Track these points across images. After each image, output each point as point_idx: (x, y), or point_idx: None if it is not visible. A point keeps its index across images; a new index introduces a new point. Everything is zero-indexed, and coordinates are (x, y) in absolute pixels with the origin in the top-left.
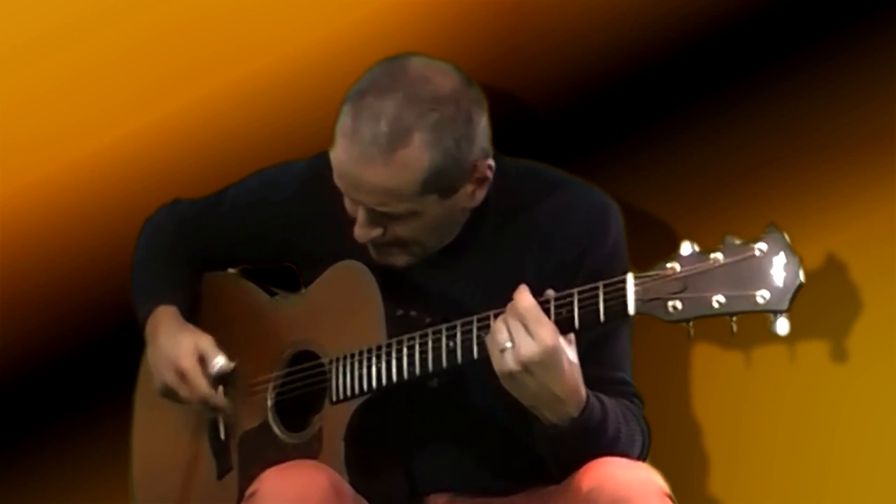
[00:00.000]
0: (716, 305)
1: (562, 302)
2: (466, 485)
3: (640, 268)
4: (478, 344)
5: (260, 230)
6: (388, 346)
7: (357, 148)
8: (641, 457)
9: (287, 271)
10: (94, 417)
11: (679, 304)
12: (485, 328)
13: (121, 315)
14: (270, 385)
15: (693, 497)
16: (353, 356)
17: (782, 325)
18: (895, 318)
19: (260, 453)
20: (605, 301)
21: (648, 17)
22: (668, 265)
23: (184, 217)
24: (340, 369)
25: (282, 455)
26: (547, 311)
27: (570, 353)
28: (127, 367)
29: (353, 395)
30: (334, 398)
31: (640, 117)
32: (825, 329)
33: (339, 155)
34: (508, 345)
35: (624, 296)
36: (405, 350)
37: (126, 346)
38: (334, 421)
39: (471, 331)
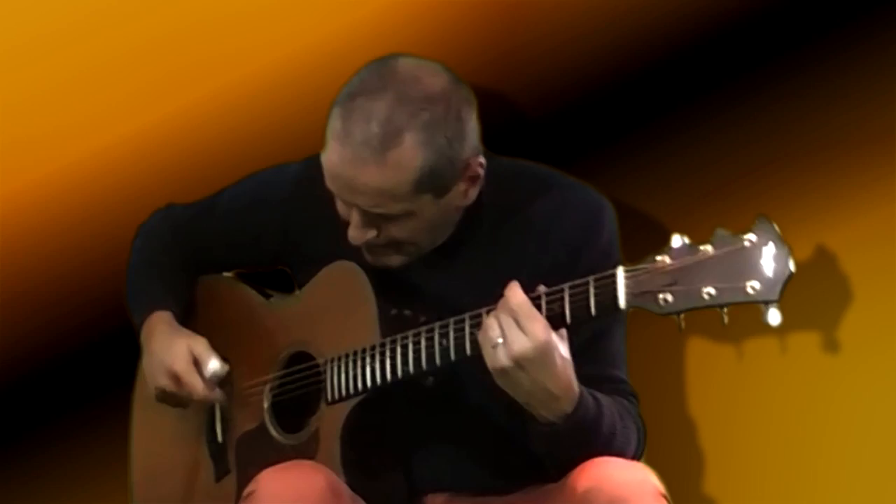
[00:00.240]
0: (706, 297)
1: (553, 297)
2: (464, 484)
3: (634, 264)
4: (470, 341)
5: (254, 233)
6: (383, 345)
7: (349, 150)
8: (637, 454)
9: (282, 273)
10: (93, 417)
11: (670, 297)
12: (477, 325)
13: (120, 315)
14: (267, 387)
15: (688, 493)
16: (347, 356)
17: (773, 316)
18: (889, 311)
19: (257, 455)
20: (595, 295)
21: (644, 19)
22: (659, 258)
23: (178, 222)
24: (335, 369)
25: (279, 456)
26: (538, 307)
27: (563, 348)
28: (126, 368)
29: (349, 395)
30: (330, 398)
31: (639, 118)
32: (820, 324)
33: (331, 158)
34: (500, 340)
35: (614, 289)
36: (399, 349)
37: (125, 346)
38: (330, 421)
39: (463, 328)
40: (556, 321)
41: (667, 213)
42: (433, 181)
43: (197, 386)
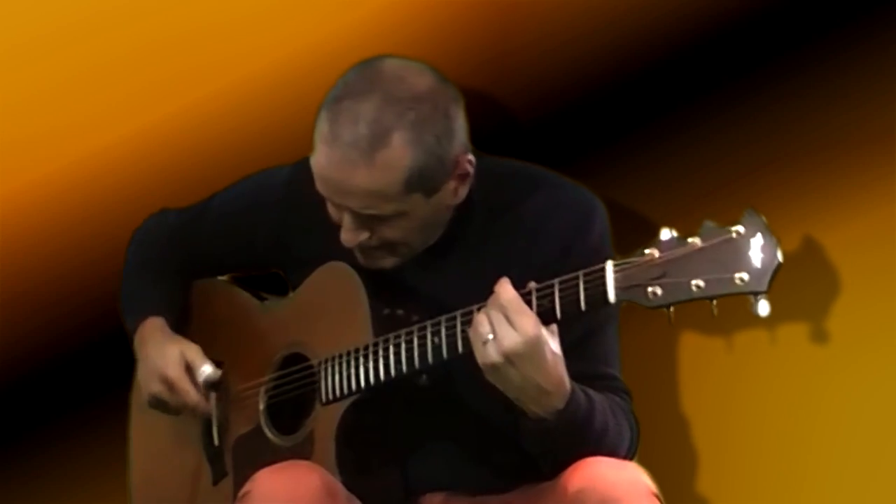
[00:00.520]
0: (695, 290)
1: (543, 293)
2: (460, 483)
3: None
4: (462, 339)
5: (247, 237)
6: (376, 345)
7: (338, 152)
8: (631, 451)
9: (276, 276)
10: (93, 418)
11: (659, 290)
12: (469, 323)
13: (120, 315)
14: (262, 389)
15: (680, 489)
16: (341, 357)
17: (763, 307)
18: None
19: (254, 457)
20: (585, 289)
21: (640, 20)
22: (648, 251)
23: (171, 227)
24: (329, 370)
25: (275, 458)
26: (528, 303)
27: (553, 344)
28: (125, 368)
29: (343, 396)
30: (324, 399)
31: (638, 118)
32: (818, 322)
33: (320, 161)
34: (490, 336)
35: (604, 283)
36: (392, 348)
37: (125, 346)
38: (325, 422)
39: (455, 326)
40: (546, 317)
41: (664, 216)
42: (423, 180)
43: (190, 392)
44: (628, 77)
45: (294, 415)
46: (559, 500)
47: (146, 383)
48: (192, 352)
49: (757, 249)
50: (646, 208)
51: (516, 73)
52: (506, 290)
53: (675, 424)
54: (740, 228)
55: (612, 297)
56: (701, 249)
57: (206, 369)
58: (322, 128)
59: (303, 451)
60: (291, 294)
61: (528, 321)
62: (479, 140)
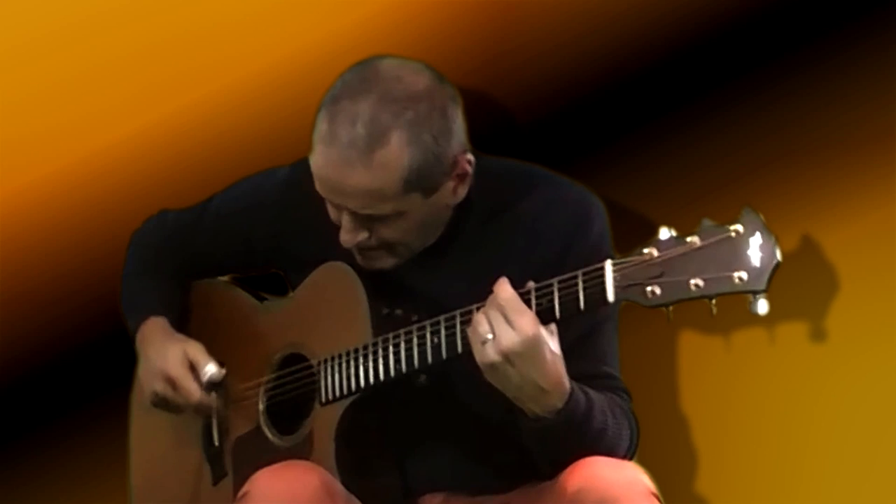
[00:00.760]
0: (694, 289)
1: (542, 292)
2: (460, 484)
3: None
4: (462, 338)
5: (246, 238)
6: (375, 344)
7: (336, 152)
8: (630, 450)
9: (276, 277)
10: (93, 418)
11: (658, 289)
12: (468, 322)
13: (120, 315)
14: (261, 389)
15: (679, 488)
16: (340, 357)
17: (761, 306)
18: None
19: (253, 458)
20: (584, 289)
21: (639, 20)
22: (646, 250)
23: (170, 228)
24: (328, 370)
25: (275, 458)
26: (528, 302)
27: (552, 343)
28: (125, 368)
29: (342, 396)
30: (323, 399)
31: (638, 118)
32: (817, 322)
33: (319, 161)
34: (489, 336)
35: (603, 283)
36: (391, 348)
37: (125, 346)
38: (324, 422)
39: (454, 326)
40: (545, 316)
41: (662, 215)
42: (421, 180)
43: (193, 390)
44: (626, 77)
45: (293, 415)
46: (558, 500)
47: (149, 382)
48: (196, 350)
49: (756, 248)
50: (644, 207)
51: (515, 72)
52: (504, 289)
53: (674, 424)
54: (739, 227)
55: (611, 296)
56: (699, 248)
57: (210, 368)
58: (320, 128)
59: (302, 452)
60: (291, 294)
61: (526, 321)
62: (478, 140)
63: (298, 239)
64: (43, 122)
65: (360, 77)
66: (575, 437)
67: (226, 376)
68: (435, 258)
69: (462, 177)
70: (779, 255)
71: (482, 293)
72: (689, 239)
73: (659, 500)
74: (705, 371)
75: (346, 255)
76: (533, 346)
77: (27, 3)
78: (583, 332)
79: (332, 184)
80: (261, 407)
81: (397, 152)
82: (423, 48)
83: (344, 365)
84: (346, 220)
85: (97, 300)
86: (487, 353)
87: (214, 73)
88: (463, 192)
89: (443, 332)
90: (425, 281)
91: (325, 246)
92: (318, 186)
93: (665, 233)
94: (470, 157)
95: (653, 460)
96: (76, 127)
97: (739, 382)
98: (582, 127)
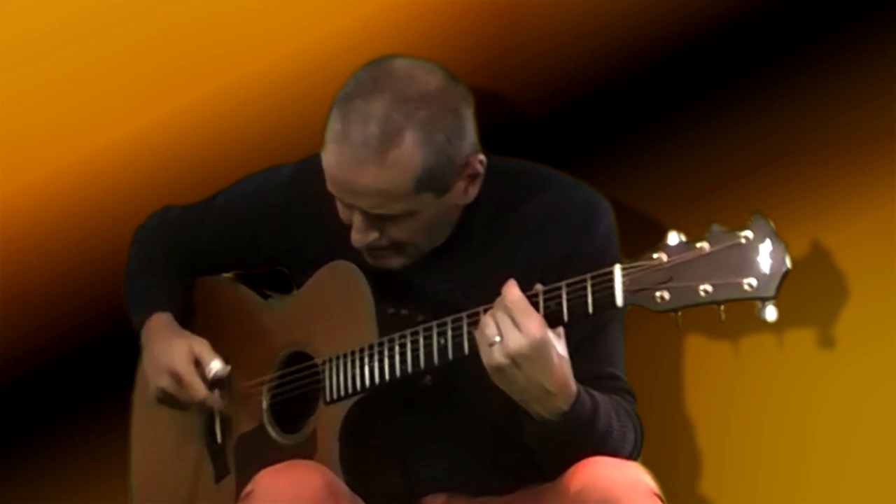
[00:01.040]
0: (703, 294)
1: (550, 295)
2: (463, 484)
3: (631, 261)
4: (468, 340)
5: (250, 235)
6: (380, 344)
7: (348, 151)
8: (634, 453)
9: (280, 274)
10: (93, 417)
11: (666, 294)
12: (475, 324)
13: (120, 315)
14: (265, 387)
15: (683, 491)
16: (345, 356)
17: (770, 312)
18: (887, 309)
19: (256, 456)
20: (593, 293)
21: (642, 18)
22: (655, 255)
23: (175, 224)
24: (333, 369)
25: (278, 457)
26: (535, 305)
27: (559, 346)
28: (126, 368)
29: (347, 395)
30: (328, 398)
31: (638, 117)
32: (818, 322)
33: (331, 160)
34: (497, 338)
35: (612, 287)
36: (397, 348)
37: (125, 346)
38: (328, 421)
39: (461, 327)
40: (553, 319)
41: (666, 214)
42: (433, 180)
43: (198, 387)
44: (632, 76)
45: (297, 413)
46: (560, 500)
47: (154, 378)
48: (201, 346)
49: (765, 255)
50: (647, 206)
51: (520, 70)
52: (512, 291)
53: (679, 426)
54: (749, 233)
55: (619, 300)
56: (709, 254)
57: (216, 364)
58: (333, 127)
59: (305, 450)
60: (295, 292)
61: (534, 323)
62: (482, 138)
63: (303, 237)
64: (43, 122)
65: (372, 76)
66: (580, 439)
67: (230, 373)
68: (442, 259)
69: (473, 177)
70: (788, 263)
71: (489, 294)
72: (698, 244)
73: (661, 501)
74: (711, 373)
75: (351, 254)
76: (540, 349)
77: (26, 3)
78: (588, 332)
79: (344, 183)
80: (264, 405)
81: (410, 152)
82: (428, 45)
83: (349, 364)
84: (357, 220)
85: (97, 300)
86: (494, 356)
87: (215, 72)
88: (474, 192)
89: (449, 333)
90: (432, 281)
91: (331, 245)
92: (329, 185)
93: (674, 238)
94: (482, 157)
95: (657, 463)
96: (76, 126)
97: (743, 385)
98: (586, 126)
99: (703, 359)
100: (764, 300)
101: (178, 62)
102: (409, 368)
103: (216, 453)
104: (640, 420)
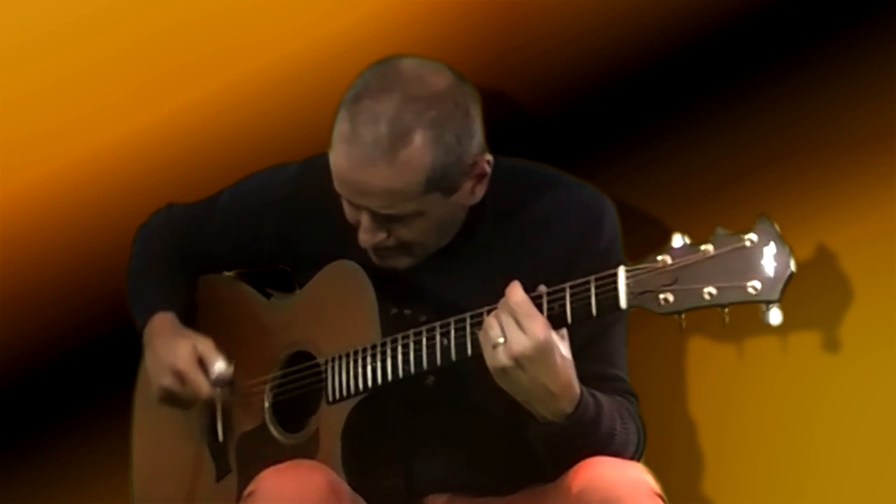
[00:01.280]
0: (707, 297)
1: (554, 297)
2: (465, 485)
3: (635, 263)
4: (471, 341)
5: (253, 234)
6: (383, 344)
7: (358, 151)
8: (637, 454)
9: (282, 273)
10: (94, 417)
11: (671, 297)
12: (478, 325)
13: (121, 315)
14: (267, 386)
15: (686, 492)
16: (347, 356)
17: (774, 316)
18: (889, 311)
19: (258, 455)
20: (596, 295)
21: (645, 18)
22: (660, 258)
23: (177, 222)
24: (336, 369)
25: (280, 456)
26: (539, 306)
27: (563, 348)
28: (127, 368)
29: (349, 395)
30: (330, 398)
31: (640, 117)
32: (820, 323)
33: (340, 160)
34: (500, 340)
35: (616, 289)
36: (400, 349)
37: (125, 346)
38: (331, 421)
39: (464, 328)
40: (557, 321)
41: (667, 213)
42: (442, 179)
43: (202, 385)
44: (634, 75)
45: (299, 412)
46: (562, 500)
47: (157, 377)
48: (205, 346)
49: (770, 258)
50: (653, 206)
51: (522, 69)
52: (516, 293)
53: (682, 428)
54: (753, 236)
55: (623, 303)
56: (713, 257)
57: (220, 364)
58: (341, 127)
59: (307, 450)
60: (298, 291)
61: (537, 325)
62: (486, 137)
63: (307, 237)
64: (43, 122)
65: (380, 76)
66: (583, 440)
67: (233, 372)
68: (445, 259)
69: (481, 177)
70: (793, 266)
71: (492, 295)
72: (702, 247)
73: (663, 501)
74: (713, 375)
75: (354, 254)
76: (544, 351)
77: (26, 2)
78: (592, 333)
79: (354, 183)
80: (266, 404)
81: (421, 151)
82: (434, 42)
83: (351, 364)
84: (365, 220)
85: (97, 300)
86: (498, 357)
87: (216, 71)
88: (481, 192)
89: (452, 334)
90: (435, 282)
91: (334, 244)
92: (337, 186)
93: (678, 240)
94: (489, 157)
95: (660, 464)
96: (76, 126)
97: (746, 386)
98: (588, 126)
99: (706, 360)
100: (768, 303)
101: (178, 61)
102: (412, 369)
103: (218, 452)
104: (643, 421)
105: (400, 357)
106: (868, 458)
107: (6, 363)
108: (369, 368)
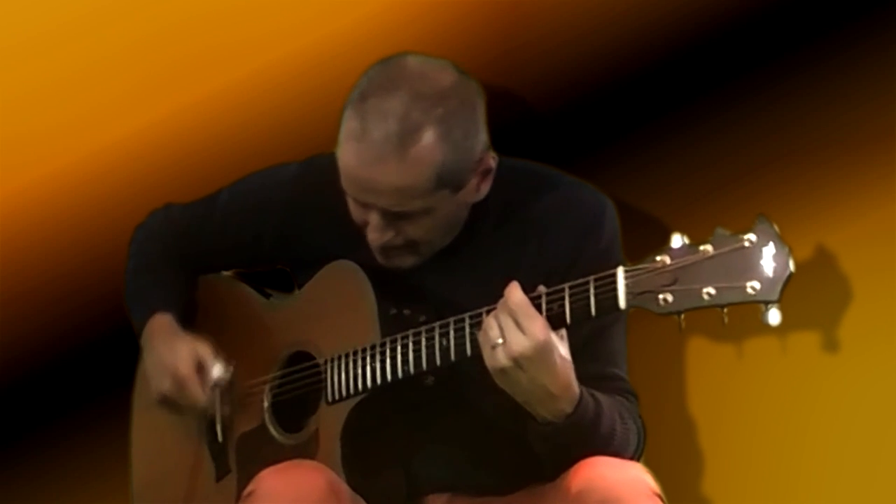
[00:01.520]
0: (706, 297)
1: (553, 297)
2: (465, 484)
3: (634, 264)
4: (471, 341)
5: (253, 233)
6: (383, 345)
7: (368, 148)
8: (636, 454)
9: (281, 273)
10: (93, 417)
11: (670, 297)
12: (477, 325)
13: (120, 315)
14: (267, 387)
15: (686, 492)
16: (347, 356)
17: (773, 316)
18: (889, 311)
19: (258, 455)
20: (595, 295)
21: (646, 18)
22: (659, 258)
23: (176, 222)
24: (335, 369)
25: (279, 456)
26: (538, 307)
27: (562, 348)
28: (126, 368)
29: (349, 395)
30: (330, 398)
31: (640, 117)
32: (820, 324)
33: (349, 158)
34: (500, 340)
35: (615, 289)
36: (399, 349)
37: (125, 346)
38: (330, 421)
39: (464, 328)
40: (556, 321)
41: (667, 213)
42: (451, 176)
43: (199, 395)
44: (634, 75)
45: (298, 413)
46: (561, 500)
47: (156, 380)
48: (204, 350)
49: (769, 258)
50: (652, 206)
51: (523, 69)
52: (515, 293)
53: (682, 428)
54: (752, 237)
55: (622, 303)
56: (712, 257)
57: (219, 369)
58: (350, 125)
59: (307, 450)
60: (297, 292)
61: (536, 325)
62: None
63: (306, 237)
64: (43, 121)
65: (386, 75)
66: (582, 441)
67: (233, 375)
68: (445, 259)
69: (486, 173)
70: (792, 266)
71: (492, 295)
72: (701, 247)
73: (662, 501)
74: (712, 374)
75: (354, 254)
76: (543, 352)
77: (26, 2)
78: (591, 333)
79: (364, 181)
80: (266, 404)
81: (430, 148)
82: (436, 41)
83: (351, 364)
84: (374, 219)
85: (97, 300)
86: (498, 358)
87: (216, 70)
88: (485, 189)
89: (452, 334)
90: (434, 282)
91: (334, 244)
92: (346, 185)
93: (678, 240)
94: (494, 154)
95: (660, 463)
96: (76, 125)
97: (745, 386)
98: (588, 125)
99: (705, 360)
100: (767, 303)
101: (178, 61)
102: (412, 369)
103: (217, 452)
104: (642, 421)
105: (399, 357)
106: (867, 457)
107: (6, 363)
108: (369, 369)
